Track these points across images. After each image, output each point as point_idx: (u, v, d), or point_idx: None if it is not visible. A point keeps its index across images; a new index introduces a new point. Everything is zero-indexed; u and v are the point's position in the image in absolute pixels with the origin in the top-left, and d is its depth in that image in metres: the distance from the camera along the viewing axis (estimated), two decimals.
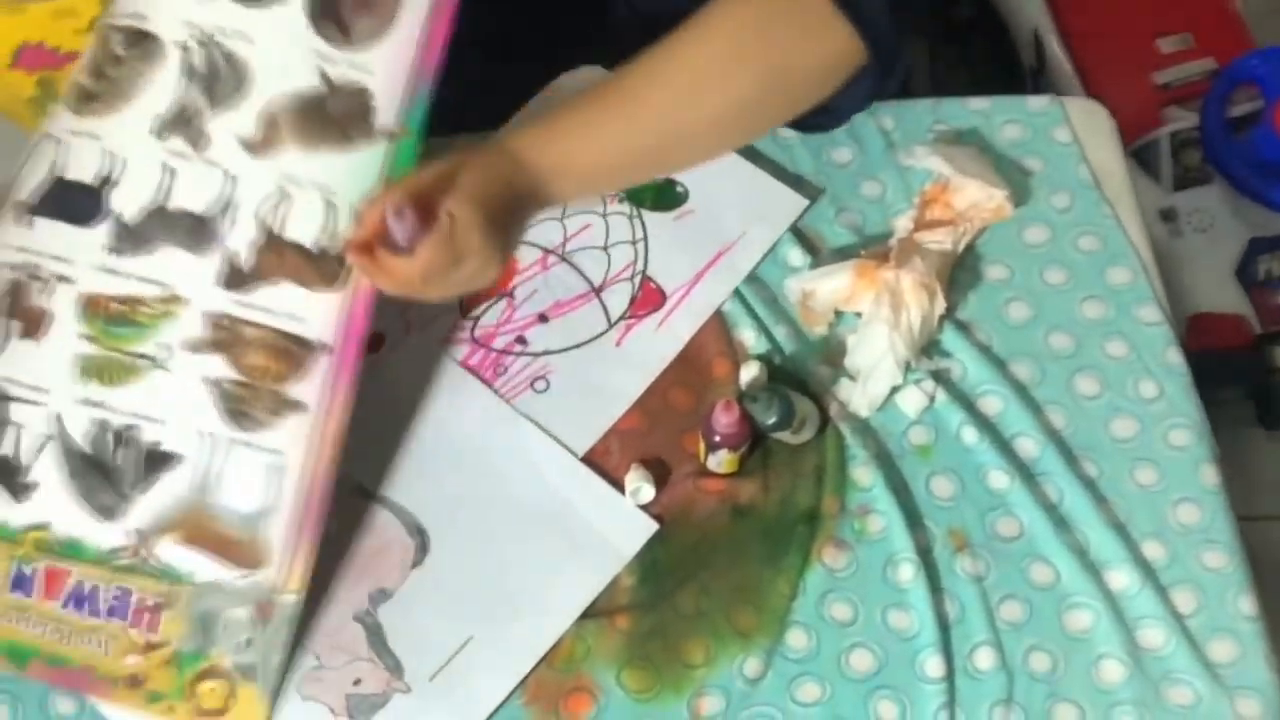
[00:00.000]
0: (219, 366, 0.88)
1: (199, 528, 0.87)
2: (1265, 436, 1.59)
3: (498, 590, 0.89)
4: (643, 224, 1.04)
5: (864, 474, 0.93)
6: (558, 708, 0.86)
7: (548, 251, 1.03)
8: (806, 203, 1.04)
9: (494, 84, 1.06)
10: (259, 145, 0.90)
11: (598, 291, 1.01)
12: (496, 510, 0.92)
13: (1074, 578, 0.90)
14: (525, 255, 1.03)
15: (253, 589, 0.86)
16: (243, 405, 0.88)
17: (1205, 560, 0.91)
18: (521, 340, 0.99)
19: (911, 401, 0.96)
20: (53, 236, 0.90)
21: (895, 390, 0.96)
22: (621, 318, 1.00)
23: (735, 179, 1.05)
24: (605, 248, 1.03)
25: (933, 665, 0.87)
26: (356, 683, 0.86)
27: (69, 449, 0.88)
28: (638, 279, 1.01)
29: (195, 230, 0.89)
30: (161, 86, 0.91)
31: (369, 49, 0.90)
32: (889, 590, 0.90)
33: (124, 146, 0.91)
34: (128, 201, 0.90)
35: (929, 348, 0.98)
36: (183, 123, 0.91)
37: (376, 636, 0.87)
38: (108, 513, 0.87)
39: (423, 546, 0.90)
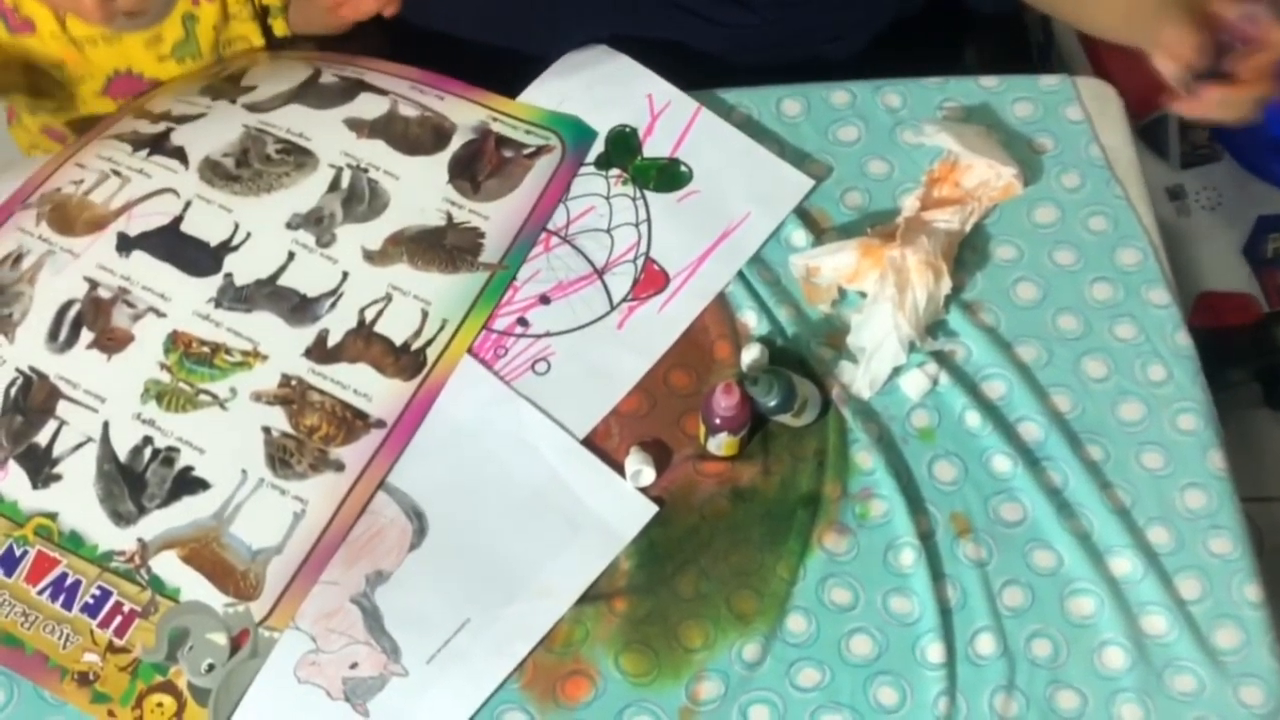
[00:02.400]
0: (277, 418, 0.91)
1: (204, 550, 0.87)
2: (1272, 417, 1.55)
3: (496, 573, 0.86)
4: (646, 206, 1.00)
5: (866, 458, 0.90)
6: (555, 691, 0.83)
7: (550, 233, 0.99)
8: (812, 183, 1.00)
9: (506, 58, 1.04)
10: (377, 257, 0.98)
11: (600, 273, 0.97)
12: (495, 492, 0.89)
13: (1077, 563, 0.87)
14: None
15: (236, 617, 0.85)
16: (287, 455, 0.90)
17: (1211, 546, 0.88)
18: (523, 322, 0.95)
19: (914, 384, 0.92)
20: (155, 273, 0.96)
21: (897, 371, 0.93)
22: (624, 300, 0.96)
23: (740, 159, 1.01)
24: (609, 230, 0.99)
25: (933, 651, 0.84)
26: (354, 666, 0.83)
27: (105, 454, 0.89)
28: (640, 261, 0.97)
29: (298, 307, 0.96)
30: (305, 191, 1.00)
31: (491, 201, 1.00)
32: (890, 575, 0.87)
33: (254, 224, 0.98)
34: (243, 267, 0.97)
35: (934, 328, 0.95)
36: (315, 222, 0.99)
37: (374, 619, 0.84)
38: (121, 519, 0.88)
39: (421, 529, 0.87)
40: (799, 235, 0.98)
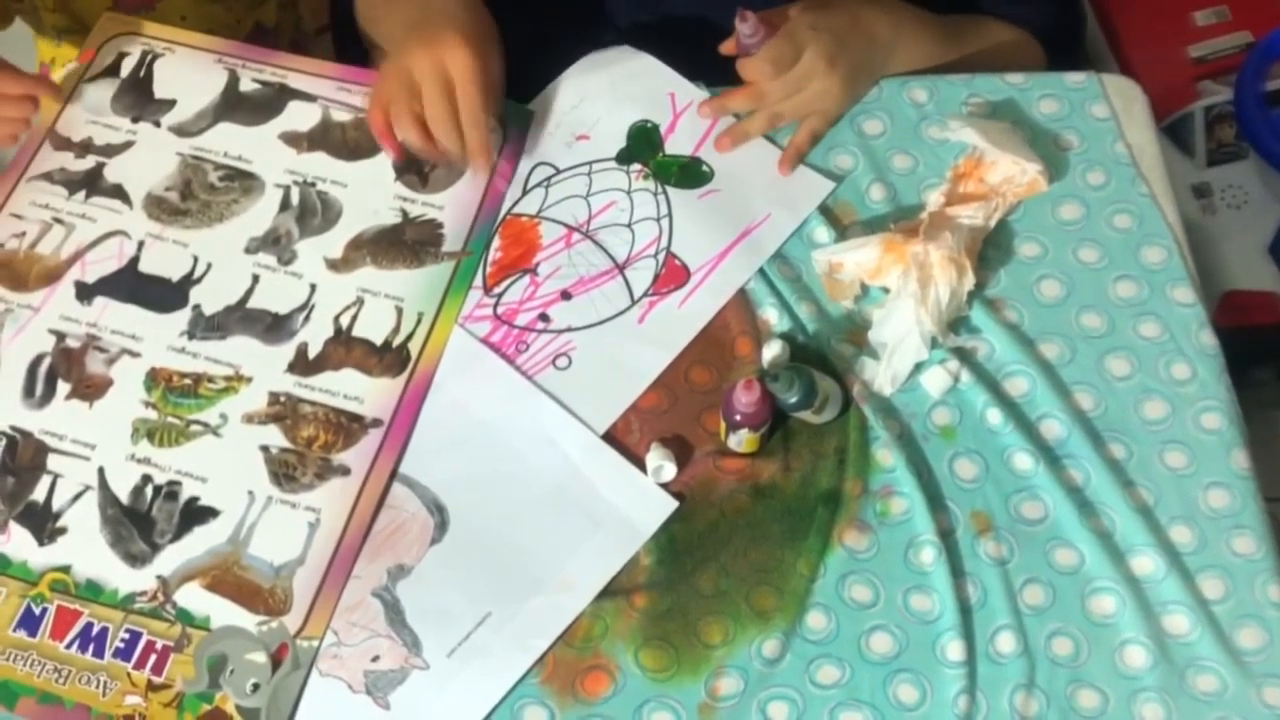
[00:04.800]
0: (273, 436, 0.91)
1: (226, 575, 0.86)
2: None
3: (516, 567, 0.85)
4: (667, 201, 0.99)
5: (886, 455, 0.89)
6: (575, 686, 0.82)
7: (571, 229, 0.98)
8: (832, 185, 0.99)
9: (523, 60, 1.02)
10: (341, 264, 0.98)
11: (621, 268, 0.96)
12: (516, 487, 0.88)
13: (1098, 562, 0.85)
14: (549, 232, 0.98)
15: (271, 634, 0.83)
16: (290, 470, 0.89)
17: (1234, 546, 0.86)
18: (544, 317, 0.94)
19: (935, 382, 0.91)
20: (122, 316, 0.95)
21: (919, 368, 0.91)
22: (645, 295, 0.95)
23: (761, 160, 1.00)
24: (629, 224, 0.98)
25: (953, 649, 0.83)
26: (375, 659, 0.82)
27: (106, 499, 0.88)
28: (661, 255, 0.97)
29: (272, 326, 0.95)
30: (257, 215, 1.00)
31: (442, 191, 1.00)
32: (910, 573, 0.86)
33: (213, 255, 0.98)
34: (210, 297, 0.96)
35: (956, 324, 0.94)
36: (273, 242, 0.99)
37: (395, 613, 0.84)
38: (136, 560, 0.87)
39: (442, 523, 0.87)
40: (821, 231, 0.97)
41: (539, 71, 1.05)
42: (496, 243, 0.98)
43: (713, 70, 1.02)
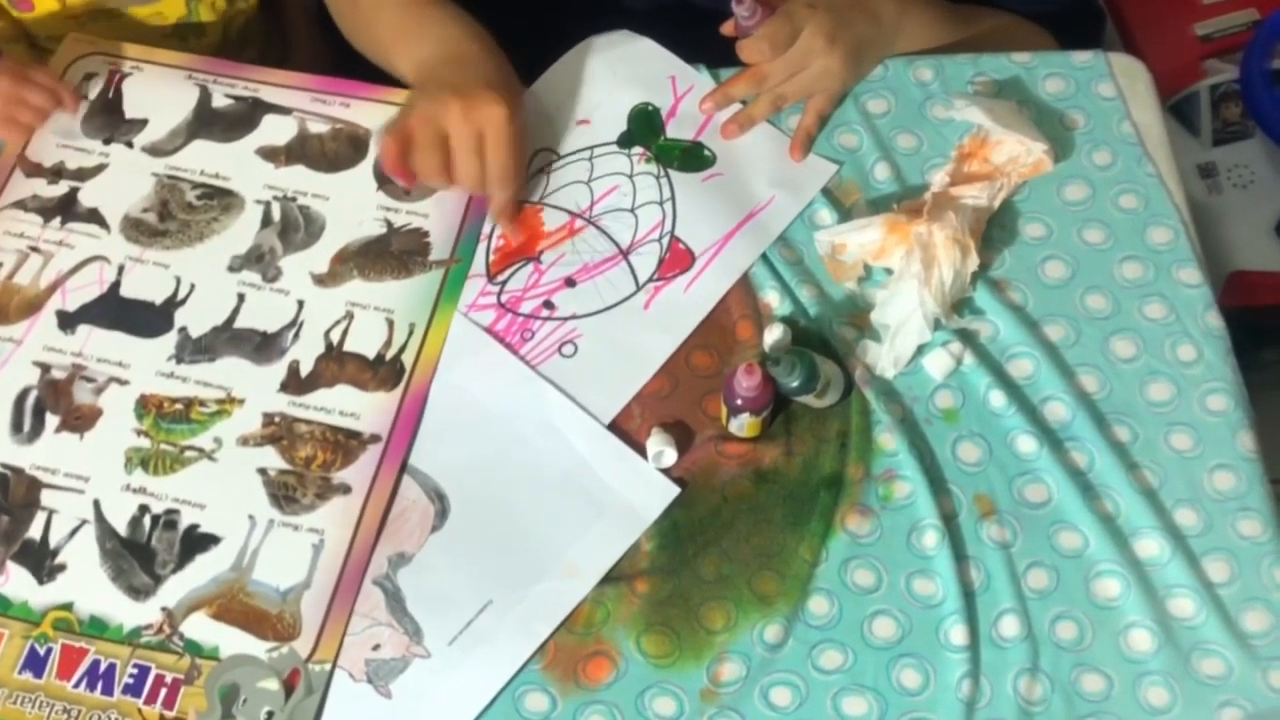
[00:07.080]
0: (270, 458, 0.87)
1: (232, 603, 0.82)
2: None
3: (518, 554, 0.83)
4: (670, 184, 0.95)
5: (889, 439, 0.86)
6: (576, 672, 0.80)
7: (574, 215, 0.95)
8: (835, 168, 0.96)
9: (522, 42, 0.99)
10: (327, 279, 0.94)
11: (625, 254, 0.93)
12: (517, 474, 0.85)
13: (1103, 545, 0.82)
14: (551, 219, 0.95)
15: (282, 660, 0.80)
16: (290, 491, 0.85)
17: (1240, 529, 0.83)
18: (549, 305, 0.91)
19: (938, 365, 0.88)
20: (107, 343, 0.91)
21: (922, 350, 0.88)
22: (650, 280, 0.92)
23: (764, 145, 0.97)
24: (633, 209, 0.95)
25: (957, 633, 0.80)
26: (376, 648, 0.80)
27: (104, 532, 0.85)
28: (666, 239, 0.93)
29: (261, 345, 0.91)
30: (239, 232, 0.96)
31: (426, 199, 0.97)
32: (913, 557, 0.83)
33: (195, 275, 0.94)
34: (195, 319, 0.92)
35: (960, 306, 0.90)
36: (256, 260, 0.94)
37: (396, 601, 0.81)
38: (139, 593, 0.83)
39: (442, 511, 0.84)
40: (824, 213, 0.94)
41: (538, 58, 1.02)
42: (499, 230, 0.95)
43: (716, 55, 0.99)
